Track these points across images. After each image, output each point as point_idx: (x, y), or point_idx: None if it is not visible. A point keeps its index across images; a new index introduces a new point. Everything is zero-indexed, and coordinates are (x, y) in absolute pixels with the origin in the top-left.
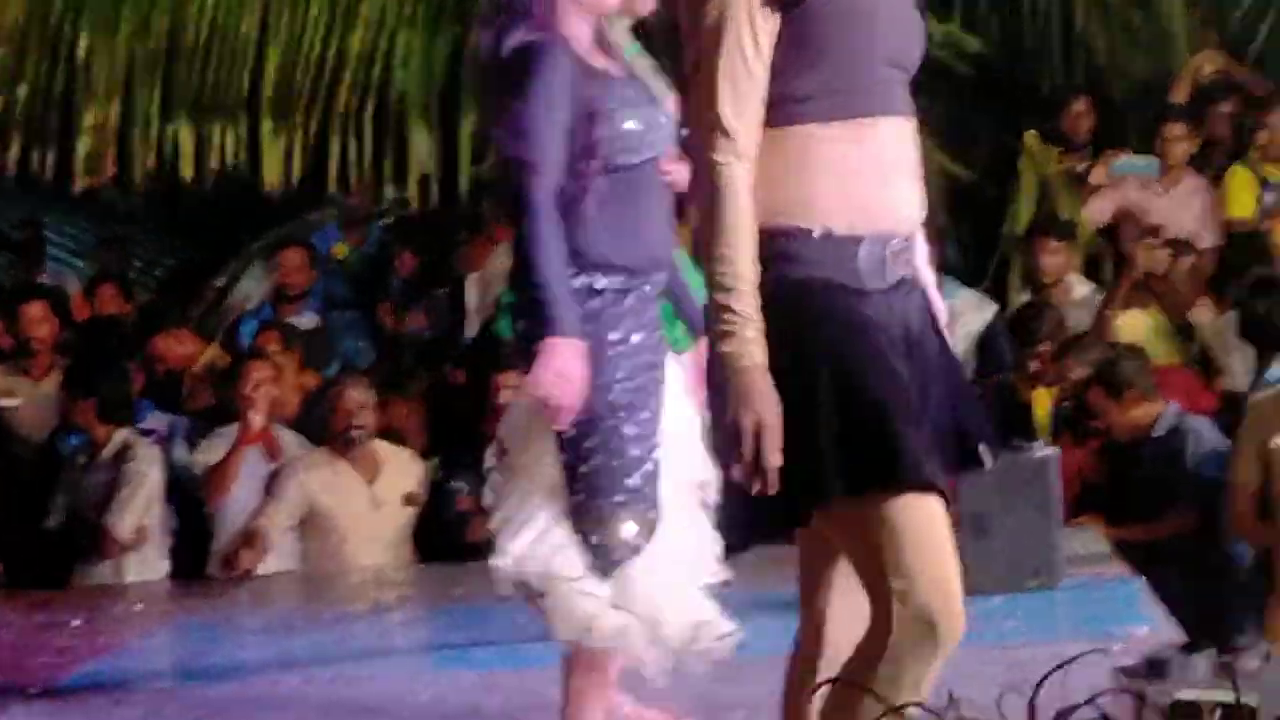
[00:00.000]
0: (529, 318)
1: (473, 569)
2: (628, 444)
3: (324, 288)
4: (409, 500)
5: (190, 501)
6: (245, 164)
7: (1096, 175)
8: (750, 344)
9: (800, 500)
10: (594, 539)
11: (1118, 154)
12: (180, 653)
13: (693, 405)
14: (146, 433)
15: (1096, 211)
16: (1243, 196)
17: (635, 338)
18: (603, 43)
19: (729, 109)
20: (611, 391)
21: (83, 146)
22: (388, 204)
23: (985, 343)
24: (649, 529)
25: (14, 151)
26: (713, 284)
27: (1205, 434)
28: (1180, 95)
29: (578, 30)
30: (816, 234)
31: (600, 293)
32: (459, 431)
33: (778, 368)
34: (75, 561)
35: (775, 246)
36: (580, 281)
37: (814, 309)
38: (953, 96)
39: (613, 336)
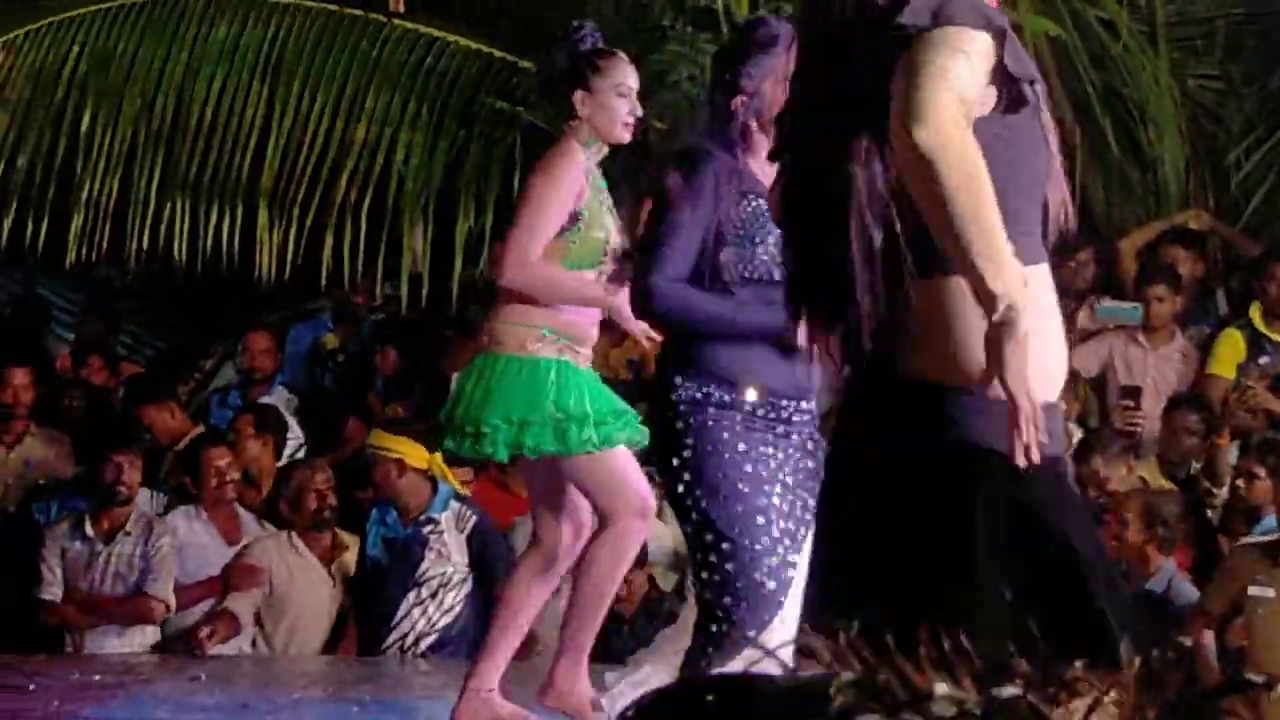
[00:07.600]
0: None
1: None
2: None
3: (311, 377)
4: None
5: None
6: (240, 249)
7: (1082, 318)
8: None
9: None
10: None
11: (1102, 298)
12: None
13: None
14: None
15: (1084, 363)
16: (1227, 356)
17: None
18: None
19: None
20: None
21: (78, 221)
22: (381, 300)
23: None
24: None
25: (8, 223)
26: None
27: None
28: (1138, 242)
29: None
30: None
31: None
32: None
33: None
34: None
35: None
36: None
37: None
38: None
39: None
